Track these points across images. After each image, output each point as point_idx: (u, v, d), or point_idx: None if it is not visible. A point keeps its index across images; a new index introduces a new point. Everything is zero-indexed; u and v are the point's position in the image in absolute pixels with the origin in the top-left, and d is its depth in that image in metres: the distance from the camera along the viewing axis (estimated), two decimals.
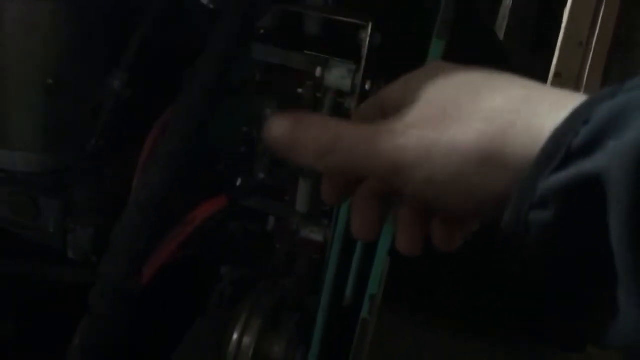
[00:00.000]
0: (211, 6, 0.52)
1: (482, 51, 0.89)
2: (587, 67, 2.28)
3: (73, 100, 0.57)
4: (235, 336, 0.57)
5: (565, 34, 2.26)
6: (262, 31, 0.56)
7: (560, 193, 0.23)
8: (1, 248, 0.62)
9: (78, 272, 0.58)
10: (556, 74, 2.28)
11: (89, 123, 0.57)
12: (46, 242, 0.60)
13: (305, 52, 0.57)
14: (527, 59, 2.27)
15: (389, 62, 0.58)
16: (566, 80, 2.27)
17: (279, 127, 0.30)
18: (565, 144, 0.23)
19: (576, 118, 0.23)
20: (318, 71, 0.54)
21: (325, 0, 0.54)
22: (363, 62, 0.52)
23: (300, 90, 0.58)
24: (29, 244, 0.61)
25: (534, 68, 2.23)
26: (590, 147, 0.23)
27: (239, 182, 0.63)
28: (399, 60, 0.58)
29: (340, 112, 0.56)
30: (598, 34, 2.25)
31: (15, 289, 0.64)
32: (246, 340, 0.57)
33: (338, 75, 0.53)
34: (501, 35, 2.22)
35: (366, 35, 0.52)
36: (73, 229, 0.57)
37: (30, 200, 0.59)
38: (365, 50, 0.52)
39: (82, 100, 0.57)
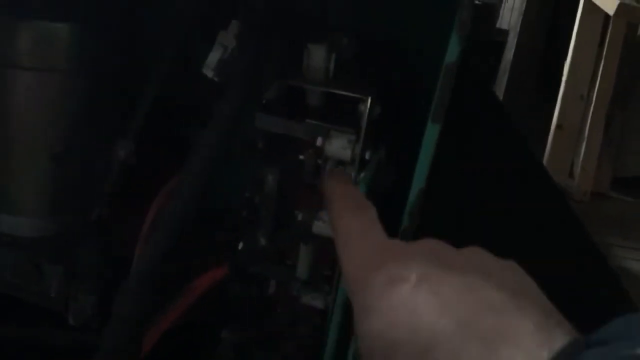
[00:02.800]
0: (216, 79, 0.53)
1: (480, 110, 0.90)
2: (589, 119, 2.31)
3: (79, 168, 0.58)
4: None
5: (566, 87, 2.30)
6: (264, 101, 0.58)
7: None
8: (2, 312, 0.62)
9: (79, 338, 0.58)
10: (558, 126, 2.31)
11: (94, 190, 0.58)
12: (48, 307, 0.60)
13: (307, 121, 0.58)
14: (529, 112, 2.30)
15: (389, 131, 0.59)
16: (568, 132, 2.29)
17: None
18: None
19: None
20: (319, 141, 0.55)
21: (326, 72, 0.56)
22: (362, 133, 0.54)
23: (301, 157, 0.59)
24: (30, 307, 0.61)
25: (536, 121, 2.26)
26: None
27: (240, 246, 0.64)
28: (399, 131, 0.60)
29: None
30: (598, 87, 2.29)
31: (15, 353, 0.64)
32: None
33: (338, 146, 0.54)
34: (502, 89, 2.26)
35: (365, 108, 0.53)
36: (75, 295, 0.57)
37: (33, 265, 0.59)
38: (364, 123, 0.53)
39: (87, 168, 0.58)
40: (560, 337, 0.26)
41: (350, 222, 0.37)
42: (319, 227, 0.57)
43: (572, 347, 0.25)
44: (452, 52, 0.41)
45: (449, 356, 0.27)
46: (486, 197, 0.91)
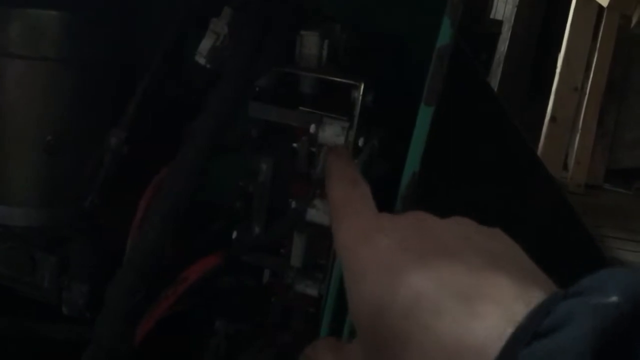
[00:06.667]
0: (208, 66, 0.53)
1: (474, 99, 0.90)
2: (582, 111, 2.32)
3: (72, 158, 0.57)
4: None
5: (560, 79, 2.30)
6: (257, 89, 0.58)
7: None
8: None
9: (72, 329, 0.58)
10: (552, 118, 2.31)
11: (87, 180, 0.58)
12: (41, 298, 0.60)
13: (300, 108, 0.58)
14: (523, 103, 2.30)
15: (382, 118, 0.59)
16: (561, 124, 2.30)
17: None
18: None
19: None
20: (312, 128, 0.55)
21: (319, 59, 0.55)
22: (355, 120, 0.53)
23: (295, 145, 0.59)
24: (23, 299, 0.61)
25: (530, 113, 2.26)
26: None
27: (234, 235, 0.64)
28: (393, 116, 0.60)
29: None
30: (592, 79, 2.30)
31: (8, 345, 0.64)
32: None
33: (332, 133, 0.54)
34: (497, 81, 2.26)
35: (358, 95, 0.53)
36: (68, 285, 0.57)
37: (26, 255, 0.59)
38: (357, 109, 0.53)
39: (80, 158, 0.58)
40: (538, 292, 0.27)
41: (344, 195, 0.40)
42: (313, 214, 0.57)
43: (549, 301, 0.26)
44: (444, 35, 0.41)
45: (429, 314, 0.28)
46: (481, 188, 0.91)
